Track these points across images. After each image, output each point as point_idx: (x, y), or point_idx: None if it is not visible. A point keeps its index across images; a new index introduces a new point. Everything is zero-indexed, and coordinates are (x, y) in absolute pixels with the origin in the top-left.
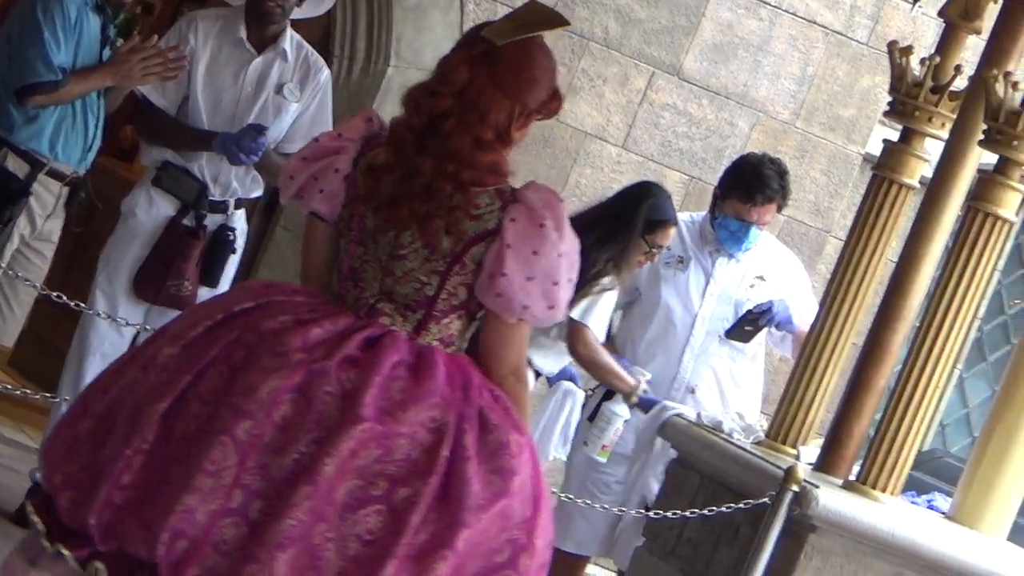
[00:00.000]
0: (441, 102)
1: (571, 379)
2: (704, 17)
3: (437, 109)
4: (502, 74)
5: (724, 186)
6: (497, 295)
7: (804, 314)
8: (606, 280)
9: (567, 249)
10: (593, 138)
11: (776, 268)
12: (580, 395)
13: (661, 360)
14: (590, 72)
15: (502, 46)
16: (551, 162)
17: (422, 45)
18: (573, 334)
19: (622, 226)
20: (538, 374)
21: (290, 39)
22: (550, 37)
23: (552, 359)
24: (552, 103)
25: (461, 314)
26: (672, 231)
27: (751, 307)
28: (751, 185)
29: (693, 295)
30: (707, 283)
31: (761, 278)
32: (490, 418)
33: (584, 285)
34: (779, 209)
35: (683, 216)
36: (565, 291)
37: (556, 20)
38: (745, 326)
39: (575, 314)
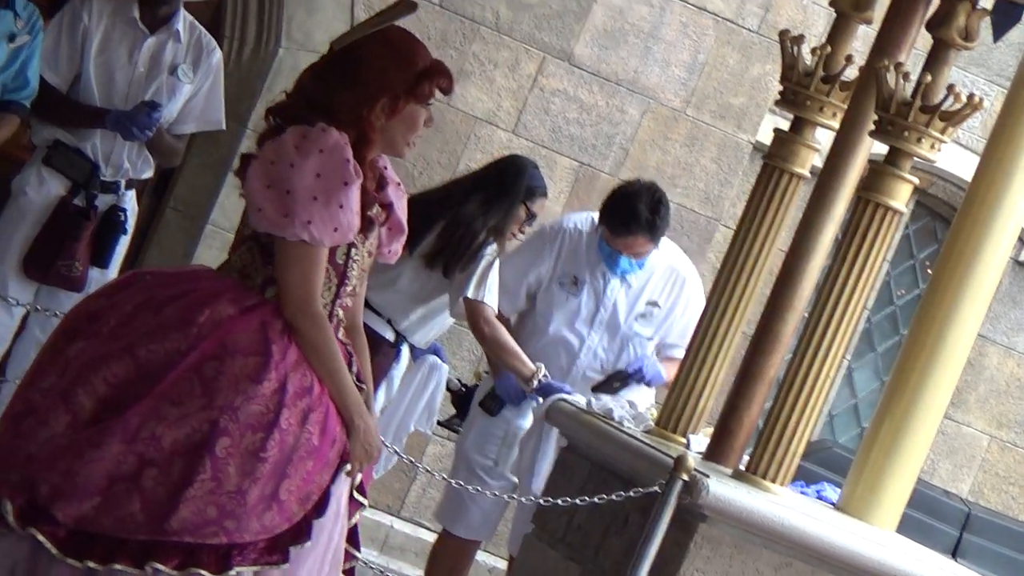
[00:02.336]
0: (290, 110)
1: (436, 353)
2: (595, 3)
3: (287, 115)
4: (340, 72)
5: (600, 210)
6: (249, 206)
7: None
8: (490, 250)
9: (305, 164)
10: (483, 123)
11: (670, 291)
12: (446, 369)
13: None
14: (481, 57)
15: (343, 49)
16: (441, 146)
17: (313, 26)
18: (472, 313)
19: (504, 193)
20: (412, 348)
21: (183, 19)
22: (438, 21)
23: (427, 333)
24: (419, 87)
25: (251, 245)
26: (545, 201)
27: (622, 367)
28: (619, 216)
29: (582, 324)
30: (597, 310)
31: (654, 304)
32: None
33: (470, 257)
34: (654, 242)
35: (582, 221)
36: (303, 204)
37: (398, 12)
38: (614, 382)
39: (470, 292)
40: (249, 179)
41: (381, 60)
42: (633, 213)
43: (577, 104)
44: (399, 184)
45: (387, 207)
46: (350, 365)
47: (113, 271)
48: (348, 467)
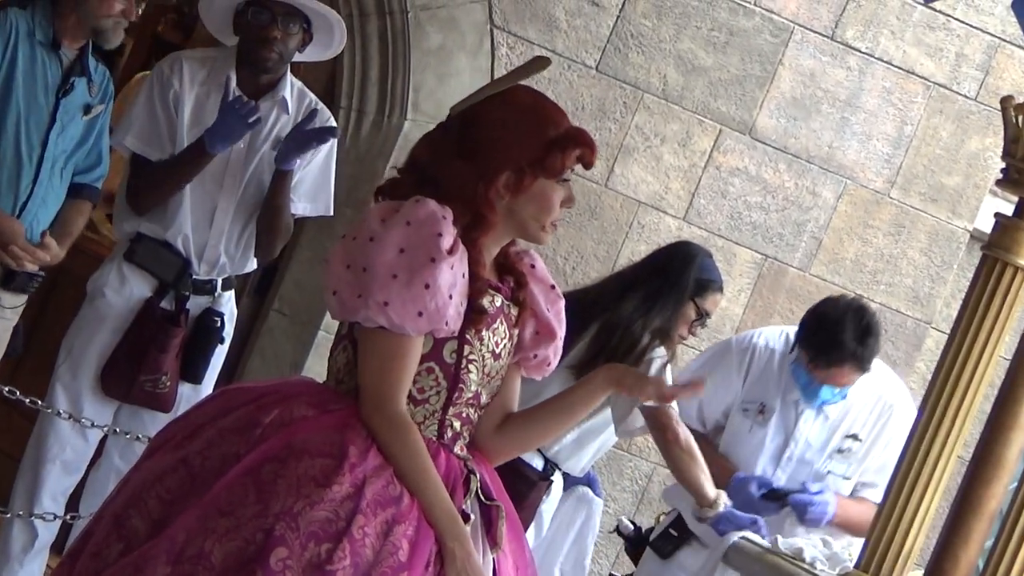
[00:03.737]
0: (400, 188)
1: (590, 484)
2: (781, 65)
3: (397, 195)
4: (457, 141)
5: (798, 330)
6: (325, 291)
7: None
8: (659, 353)
9: (387, 238)
10: (648, 208)
11: (875, 423)
12: (599, 504)
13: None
14: (645, 130)
15: (461, 114)
16: (598, 237)
17: (445, 95)
18: (656, 416)
19: (669, 288)
20: (566, 476)
21: (290, 86)
22: (595, 88)
23: (582, 459)
24: (550, 158)
25: (346, 344)
26: (720, 297)
27: (792, 490)
28: (821, 346)
29: (768, 460)
30: (785, 445)
31: (854, 437)
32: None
33: (635, 359)
34: (861, 372)
35: (774, 338)
36: (380, 283)
37: (528, 69)
38: (767, 499)
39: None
40: (329, 261)
41: (504, 126)
42: (837, 343)
43: (760, 185)
44: (554, 287)
45: (521, 303)
46: (468, 485)
47: (208, 387)
48: None
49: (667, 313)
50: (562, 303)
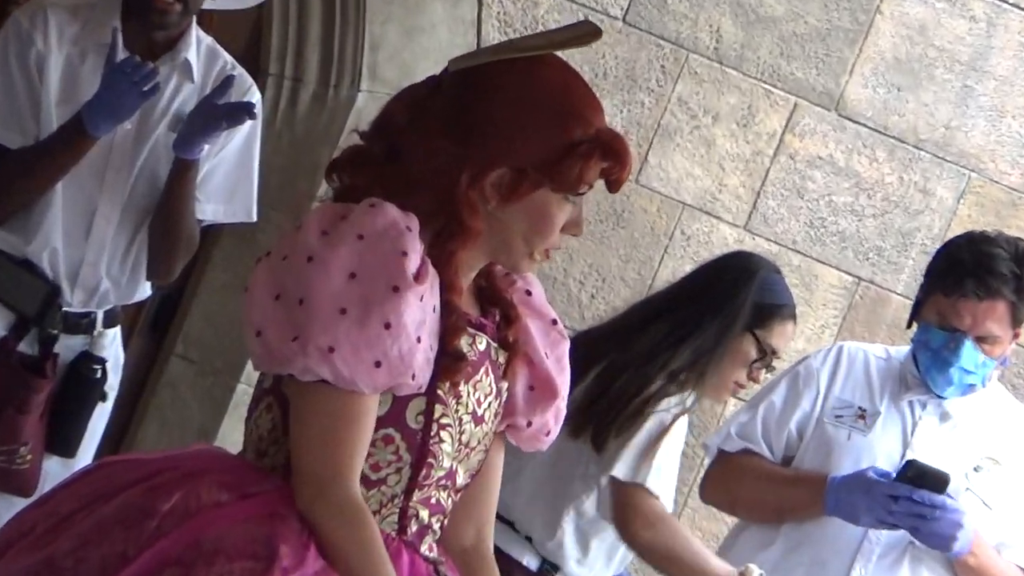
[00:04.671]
0: (364, 162)
1: None
2: (880, 15)
3: (359, 173)
4: (447, 108)
5: (926, 278)
6: (244, 325)
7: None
8: (672, 402)
9: (332, 258)
10: (696, 212)
11: (1018, 449)
12: None
13: (802, 572)
14: (691, 104)
15: (463, 73)
16: (627, 251)
17: (414, 57)
18: (622, 504)
19: (714, 314)
20: None
21: (196, 45)
22: (621, 47)
23: (595, 560)
24: (565, 164)
25: (271, 403)
26: (791, 329)
27: (942, 474)
28: (963, 267)
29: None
30: (903, 451)
31: (994, 460)
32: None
33: (632, 413)
34: (1016, 320)
35: (871, 348)
36: (323, 321)
37: (571, 36)
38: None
39: (621, 471)
40: (251, 289)
41: (515, 106)
42: (987, 261)
43: (851, 181)
44: (556, 322)
45: (511, 346)
46: None
47: (84, 461)
48: None
49: (707, 348)
50: (567, 346)
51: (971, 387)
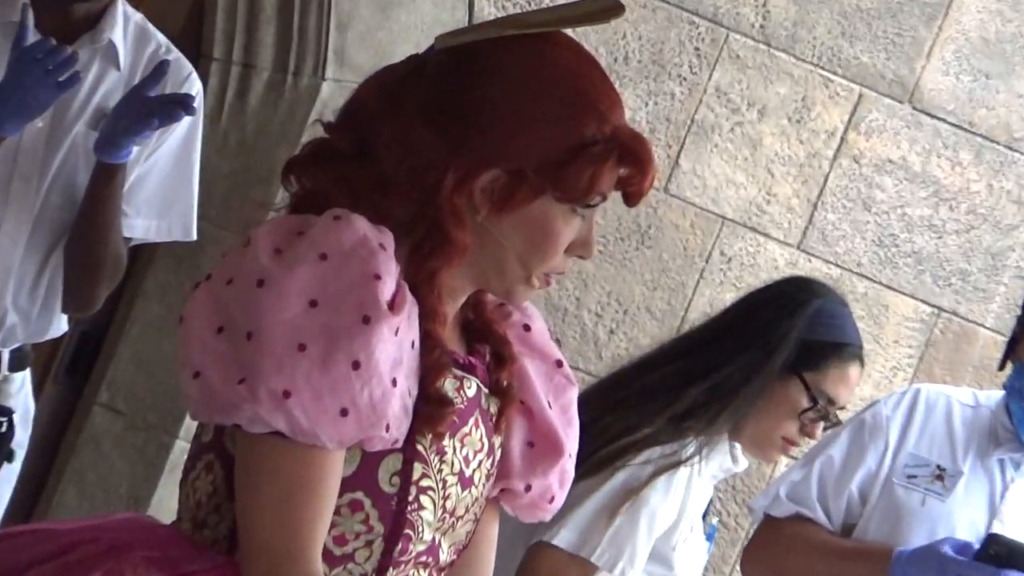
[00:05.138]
0: (329, 157)
1: None
2: None
3: (322, 169)
4: (429, 94)
5: (1023, 309)
6: (180, 365)
7: None
8: (659, 452)
9: (287, 282)
10: (739, 228)
11: None
12: None
13: None
14: (732, 95)
15: (452, 52)
16: (654, 275)
17: (390, 39)
18: (537, 570)
19: (752, 348)
20: None
21: (122, 23)
22: (647, 24)
23: None
24: (571, 168)
25: (211, 461)
26: (855, 373)
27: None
28: None
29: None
30: (989, 521)
31: None
32: None
33: (605, 455)
34: None
35: (955, 393)
36: (277, 360)
37: (589, 12)
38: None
39: (562, 537)
40: (187, 319)
41: (515, 94)
42: None
43: (929, 188)
44: (560, 364)
45: (505, 392)
46: None
47: None
48: None
49: (730, 388)
50: (574, 393)
51: None
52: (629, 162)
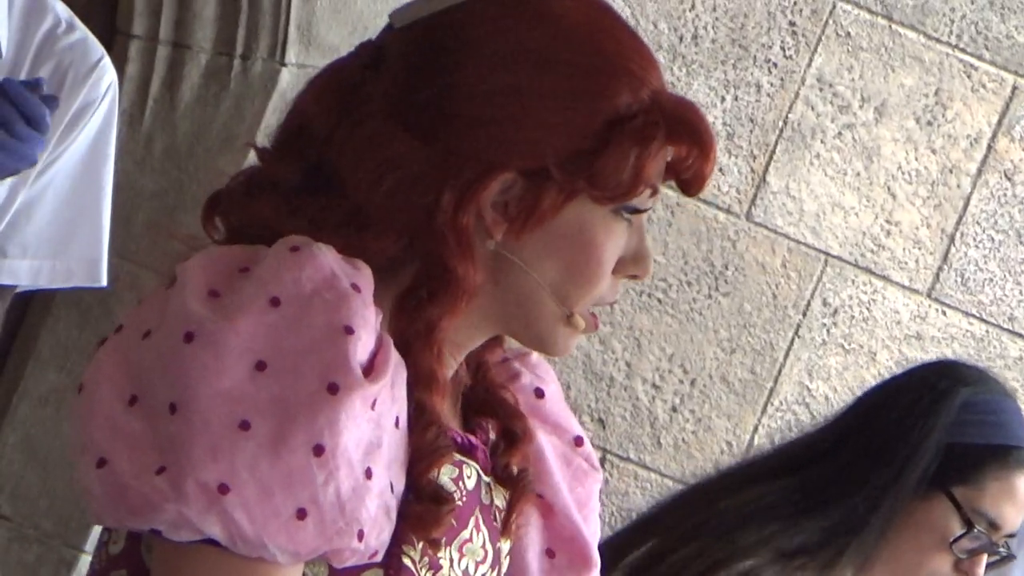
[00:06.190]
0: (264, 189)
1: None
2: None
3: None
4: (400, 89)
5: None
6: (77, 452)
7: None
8: None
9: (226, 337)
10: (848, 268)
11: None
12: None
13: None
14: (839, 88)
15: (412, 31)
16: (735, 332)
17: (372, 8)
18: None
19: (878, 456)
20: None
21: None
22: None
23: None
24: (607, 154)
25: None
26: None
27: None
28: None
29: None
30: None
31: None
32: None
33: None
34: None
35: None
36: (210, 444)
37: None
38: None
39: None
40: (86, 387)
41: (515, 68)
42: None
43: None
44: (580, 441)
45: (515, 481)
46: None
47: None
48: None
49: (862, 519)
50: (598, 482)
51: None
52: (681, 136)
